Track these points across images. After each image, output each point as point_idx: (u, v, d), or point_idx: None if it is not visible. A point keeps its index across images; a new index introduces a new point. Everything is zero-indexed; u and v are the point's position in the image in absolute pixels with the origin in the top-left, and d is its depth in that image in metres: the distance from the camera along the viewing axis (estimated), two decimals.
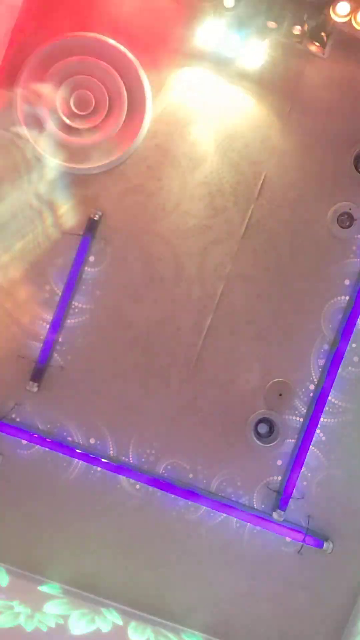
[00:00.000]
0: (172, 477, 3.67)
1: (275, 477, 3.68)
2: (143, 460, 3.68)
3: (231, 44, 3.48)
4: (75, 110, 3.55)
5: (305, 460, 3.63)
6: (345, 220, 3.65)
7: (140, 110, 3.59)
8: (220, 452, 3.67)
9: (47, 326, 3.62)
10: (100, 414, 3.67)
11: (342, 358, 3.61)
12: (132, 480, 3.65)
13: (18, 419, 3.67)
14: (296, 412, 3.68)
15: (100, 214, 3.62)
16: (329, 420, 3.66)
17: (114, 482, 3.67)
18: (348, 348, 3.63)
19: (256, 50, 3.49)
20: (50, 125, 3.56)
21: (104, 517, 3.67)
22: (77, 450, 3.64)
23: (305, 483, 3.66)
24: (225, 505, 3.63)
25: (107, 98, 3.55)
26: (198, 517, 3.67)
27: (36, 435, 3.63)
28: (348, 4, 3.33)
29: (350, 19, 3.40)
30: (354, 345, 3.65)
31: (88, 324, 3.67)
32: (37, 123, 3.57)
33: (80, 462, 3.65)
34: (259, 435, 3.66)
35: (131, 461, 3.68)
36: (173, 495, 3.63)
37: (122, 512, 3.67)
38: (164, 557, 3.68)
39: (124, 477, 3.65)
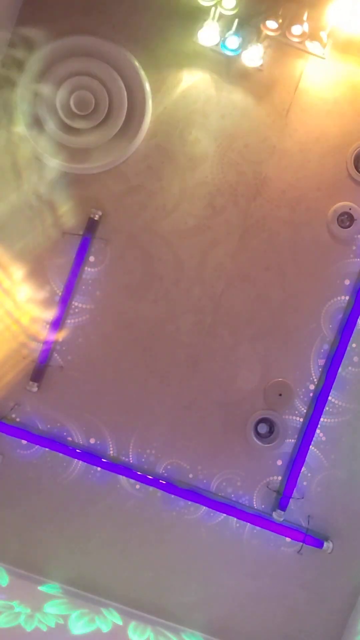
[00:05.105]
0: (172, 477, 3.68)
1: (275, 477, 3.68)
2: (143, 460, 3.69)
3: (231, 44, 3.48)
4: (75, 111, 3.55)
5: (305, 460, 3.63)
6: (345, 220, 3.65)
7: (140, 110, 3.59)
8: (220, 452, 3.68)
9: (47, 326, 3.63)
10: (100, 414, 3.68)
11: (342, 358, 3.61)
12: (132, 480, 3.65)
13: (18, 419, 3.67)
14: (296, 412, 3.68)
15: (100, 214, 3.62)
16: (329, 420, 3.66)
17: (114, 482, 3.67)
18: (348, 348, 3.63)
19: (256, 50, 3.49)
20: (50, 125, 3.56)
21: (104, 517, 3.68)
22: (77, 450, 3.64)
23: (305, 483, 3.66)
24: (225, 505, 3.63)
25: (107, 98, 3.55)
26: (198, 517, 3.67)
27: (36, 435, 3.64)
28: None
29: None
30: (354, 345, 3.65)
31: (88, 324, 3.68)
32: (37, 123, 3.57)
33: (80, 462, 3.66)
34: (259, 435, 3.66)
35: (131, 461, 3.69)
36: (173, 495, 3.64)
37: (122, 512, 3.67)
38: (164, 557, 3.68)
39: (124, 477, 3.65)
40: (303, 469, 3.63)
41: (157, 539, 3.68)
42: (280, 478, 3.68)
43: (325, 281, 3.66)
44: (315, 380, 3.67)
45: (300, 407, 3.67)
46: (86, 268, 3.66)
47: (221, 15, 3.45)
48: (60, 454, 3.65)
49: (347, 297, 3.65)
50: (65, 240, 3.62)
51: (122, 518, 3.68)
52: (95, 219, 3.61)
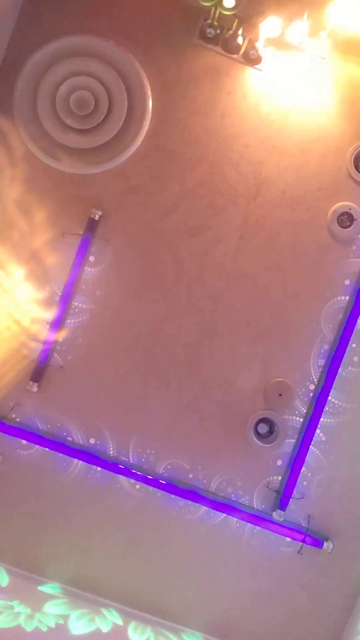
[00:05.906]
0: (172, 477, 3.68)
1: (275, 477, 3.68)
2: (143, 460, 3.69)
3: (231, 43, 3.48)
4: (75, 111, 3.55)
5: (305, 460, 3.63)
6: (345, 220, 3.65)
7: (140, 110, 3.59)
8: (220, 452, 3.68)
9: (47, 326, 3.63)
10: (100, 414, 3.68)
11: (342, 358, 3.61)
12: (132, 480, 3.65)
13: (18, 419, 3.67)
14: (296, 412, 3.68)
15: (100, 214, 3.62)
16: (329, 420, 3.66)
17: (114, 482, 3.67)
18: (348, 348, 3.63)
19: (256, 50, 3.49)
20: (50, 125, 3.56)
21: (104, 517, 3.68)
22: (77, 450, 3.64)
23: (305, 483, 3.66)
24: (225, 505, 3.63)
25: (107, 98, 3.55)
26: (198, 517, 3.67)
27: (36, 435, 3.64)
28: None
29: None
30: (354, 345, 3.65)
31: (88, 324, 3.68)
32: (37, 123, 3.57)
33: (80, 462, 3.66)
34: (259, 435, 3.66)
35: (131, 461, 3.69)
36: (173, 495, 3.64)
37: (122, 512, 3.67)
38: (164, 557, 3.68)
39: (124, 477, 3.66)
40: (303, 469, 3.63)
41: (157, 539, 3.68)
42: (280, 478, 3.68)
43: (325, 281, 3.67)
44: (315, 380, 3.67)
45: (300, 407, 3.67)
46: (86, 268, 3.66)
47: (221, 15, 3.45)
48: (60, 454, 3.64)
49: (347, 297, 3.66)
50: (65, 240, 3.62)
51: (122, 518, 3.67)
52: (95, 219, 3.61)
